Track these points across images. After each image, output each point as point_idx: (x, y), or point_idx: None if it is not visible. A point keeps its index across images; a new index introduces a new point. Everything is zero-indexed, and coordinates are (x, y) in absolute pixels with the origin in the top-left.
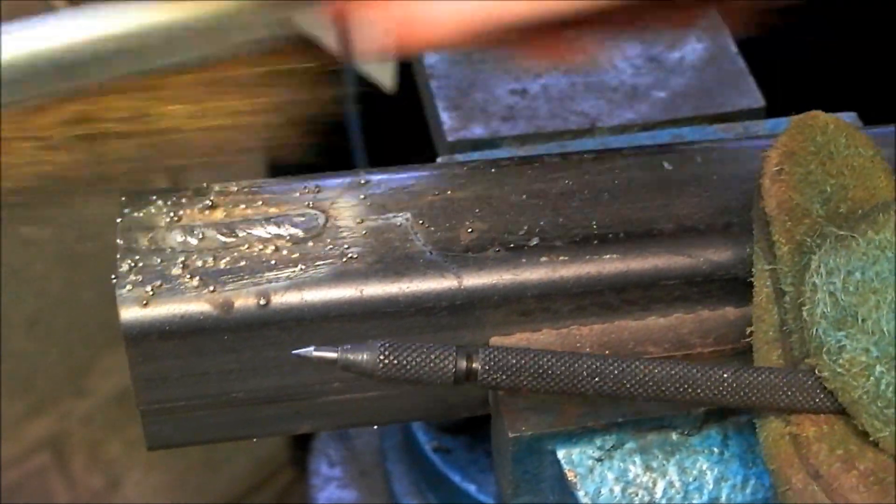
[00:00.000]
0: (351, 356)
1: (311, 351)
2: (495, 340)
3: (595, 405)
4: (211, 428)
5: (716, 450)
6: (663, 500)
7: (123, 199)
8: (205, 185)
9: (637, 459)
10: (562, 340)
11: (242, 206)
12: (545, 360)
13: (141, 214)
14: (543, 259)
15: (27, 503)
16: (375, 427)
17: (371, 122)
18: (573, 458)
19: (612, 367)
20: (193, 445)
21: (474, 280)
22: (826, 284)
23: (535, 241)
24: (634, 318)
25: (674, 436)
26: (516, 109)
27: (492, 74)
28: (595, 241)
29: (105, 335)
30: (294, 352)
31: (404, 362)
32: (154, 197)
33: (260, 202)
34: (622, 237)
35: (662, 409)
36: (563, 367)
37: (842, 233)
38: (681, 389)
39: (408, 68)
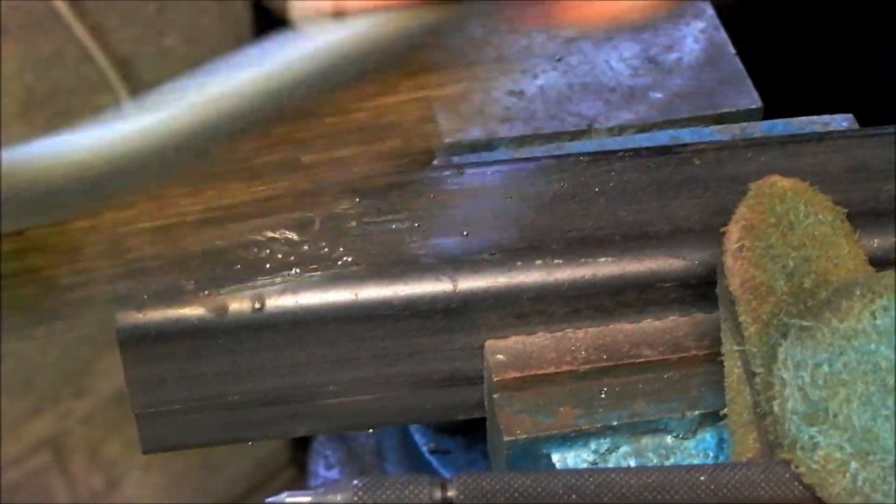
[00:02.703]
0: (324, 500)
1: (283, 497)
2: (491, 344)
3: (590, 408)
4: (207, 431)
5: (711, 453)
6: None
7: None
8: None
9: (632, 463)
10: (556, 343)
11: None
12: (520, 481)
13: None
14: (538, 262)
15: (27, 503)
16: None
17: None
18: (568, 461)
19: (588, 482)
20: (189, 448)
21: (469, 283)
22: (794, 379)
23: (529, 244)
24: (629, 321)
25: (669, 439)
26: (513, 111)
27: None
28: (590, 244)
29: (105, 335)
30: (266, 500)
31: (380, 500)
32: None
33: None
34: (617, 239)
35: (658, 413)
36: (539, 487)
37: (806, 323)
38: (658, 497)
39: None
